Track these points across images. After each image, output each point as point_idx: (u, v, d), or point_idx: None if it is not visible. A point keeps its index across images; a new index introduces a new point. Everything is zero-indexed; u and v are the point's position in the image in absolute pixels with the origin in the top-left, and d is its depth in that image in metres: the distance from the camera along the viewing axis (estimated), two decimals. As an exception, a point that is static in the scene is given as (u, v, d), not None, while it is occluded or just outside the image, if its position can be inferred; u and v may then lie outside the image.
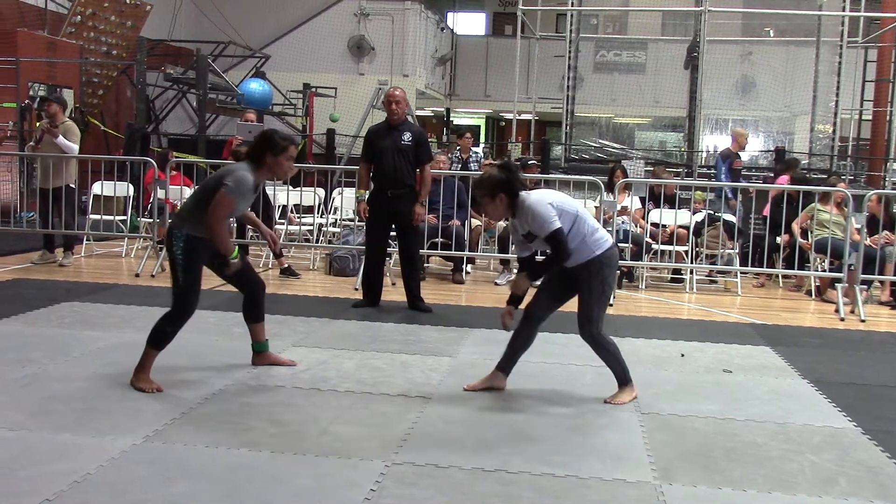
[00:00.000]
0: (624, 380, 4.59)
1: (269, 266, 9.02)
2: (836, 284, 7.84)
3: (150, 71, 14.80)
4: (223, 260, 4.51)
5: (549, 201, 4.31)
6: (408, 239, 6.98)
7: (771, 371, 5.37)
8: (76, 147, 8.74)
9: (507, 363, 4.65)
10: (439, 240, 8.63)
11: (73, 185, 8.87)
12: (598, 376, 5.02)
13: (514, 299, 4.56)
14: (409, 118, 7.74)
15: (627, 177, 9.43)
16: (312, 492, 3.20)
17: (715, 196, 9.41)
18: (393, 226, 7.04)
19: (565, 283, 4.51)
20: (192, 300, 4.46)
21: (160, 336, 4.46)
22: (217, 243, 4.43)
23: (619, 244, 8.39)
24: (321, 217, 9.92)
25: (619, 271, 8.04)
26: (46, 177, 8.64)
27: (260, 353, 5.02)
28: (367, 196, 7.00)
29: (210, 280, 4.85)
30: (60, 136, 8.54)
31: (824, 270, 8.54)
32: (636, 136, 19.09)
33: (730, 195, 9.18)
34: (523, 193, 4.32)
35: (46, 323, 5.89)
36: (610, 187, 8.82)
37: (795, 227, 8.57)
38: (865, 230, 8.07)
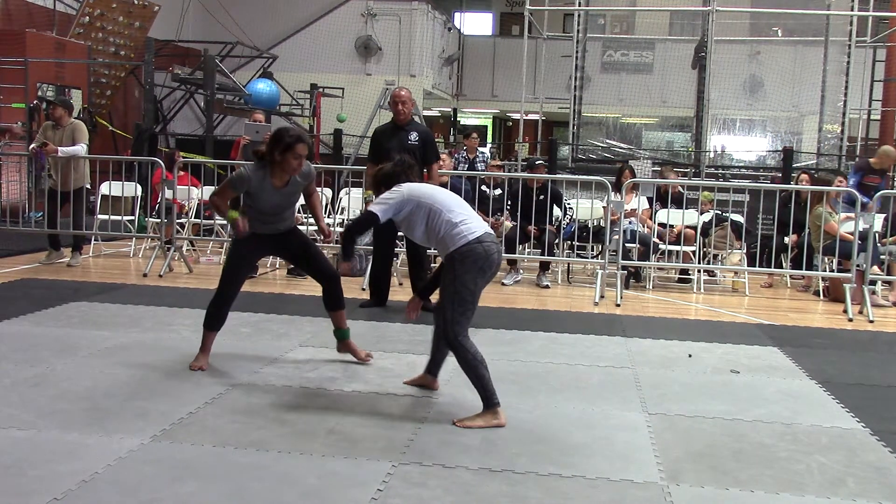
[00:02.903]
0: (487, 402, 4.03)
1: (277, 266, 9.04)
2: (845, 285, 7.80)
3: (157, 71, 14.87)
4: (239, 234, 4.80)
5: (404, 193, 4.28)
6: (415, 239, 6.98)
7: (779, 372, 5.35)
8: (84, 146, 8.70)
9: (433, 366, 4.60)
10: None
11: (88, 187, 8.91)
12: (606, 376, 5.03)
13: (423, 292, 4.61)
14: (416, 118, 7.74)
15: (635, 177, 9.40)
16: (319, 491, 3.21)
17: (846, 204, 8.63)
18: (400, 226, 7.05)
19: None
20: (229, 285, 4.80)
21: (208, 317, 4.85)
22: (219, 213, 4.89)
23: (627, 244, 8.38)
24: (328, 217, 9.93)
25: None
26: (65, 180, 8.63)
27: (342, 341, 5.17)
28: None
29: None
30: (59, 149, 8.52)
31: (832, 271, 8.50)
32: (643, 136, 19.02)
33: (865, 199, 8.25)
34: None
35: (55, 323, 5.91)
36: (617, 187, 8.81)
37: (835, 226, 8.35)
38: (880, 231, 8.03)
